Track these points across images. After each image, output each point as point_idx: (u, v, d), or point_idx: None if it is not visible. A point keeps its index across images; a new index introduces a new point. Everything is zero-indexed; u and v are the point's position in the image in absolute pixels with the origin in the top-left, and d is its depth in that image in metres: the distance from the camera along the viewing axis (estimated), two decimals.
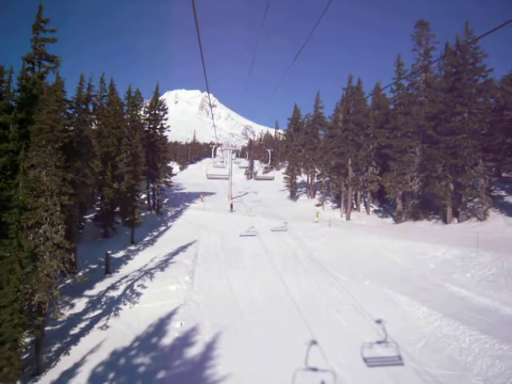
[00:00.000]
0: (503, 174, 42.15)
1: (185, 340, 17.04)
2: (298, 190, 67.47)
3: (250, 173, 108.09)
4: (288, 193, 67.51)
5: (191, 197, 62.06)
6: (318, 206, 53.54)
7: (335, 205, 53.20)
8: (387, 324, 17.39)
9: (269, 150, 41.04)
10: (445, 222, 37.51)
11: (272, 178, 46.20)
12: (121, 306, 20.92)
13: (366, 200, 49.19)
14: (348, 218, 45.74)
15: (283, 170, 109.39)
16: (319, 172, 59.24)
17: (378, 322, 17.57)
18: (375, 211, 49.52)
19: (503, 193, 37.99)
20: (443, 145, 36.43)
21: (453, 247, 25.80)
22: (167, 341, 17.11)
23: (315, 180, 63.45)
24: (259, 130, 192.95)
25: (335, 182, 49.97)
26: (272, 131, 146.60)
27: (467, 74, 36.16)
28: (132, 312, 20.26)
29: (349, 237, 33.01)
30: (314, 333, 16.46)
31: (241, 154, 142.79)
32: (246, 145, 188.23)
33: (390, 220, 45.50)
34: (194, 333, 17.61)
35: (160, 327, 18.36)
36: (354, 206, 49.81)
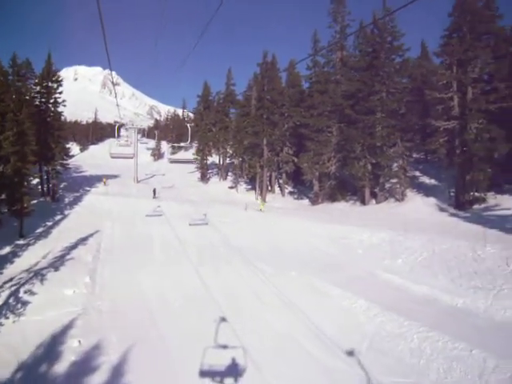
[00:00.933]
0: (414, 155, 42.51)
1: (84, 364, 12.92)
2: (209, 171, 64.14)
3: (158, 154, 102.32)
4: (198, 175, 63.99)
5: (93, 180, 55.80)
6: (231, 188, 50.83)
7: (249, 187, 50.89)
8: (324, 322, 15.04)
9: (188, 125, 36.78)
10: (363, 203, 36.80)
11: (193, 161, 41.88)
12: (1, 320, 16.11)
13: (281, 181, 47.47)
14: (264, 201, 43.62)
15: (192, 150, 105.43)
16: (231, 152, 56.49)
17: (313, 320, 15.15)
18: (290, 193, 48.09)
19: (417, 173, 38.18)
20: (361, 124, 35.41)
21: (380, 230, 24.45)
22: (61, 368, 12.82)
23: (227, 161, 60.59)
24: (165, 110, 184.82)
25: (249, 162, 47.48)
26: (180, 111, 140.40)
27: (385, 52, 35.25)
28: (16, 328, 15.48)
29: (268, 221, 30.67)
30: (243, 340, 13.57)
31: (147, 134, 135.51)
32: (152, 125, 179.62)
33: (306, 202, 44.22)
34: (97, 352, 13.56)
35: (52, 348, 14.01)
36: (269, 188, 47.84)
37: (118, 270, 21.24)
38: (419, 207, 30.24)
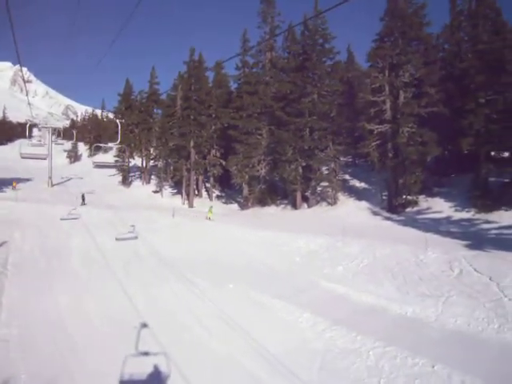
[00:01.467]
0: (342, 158, 42.65)
1: None
2: (131, 174, 60.39)
3: (74, 156, 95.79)
4: (119, 178, 60.07)
5: None
6: (155, 192, 47.88)
7: (175, 191, 48.18)
8: (267, 339, 13.30)
9: (118, 121, 33.17)
10: (294, 207, 35.92)
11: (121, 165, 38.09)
12: None
13: (209, 185, 45.48)
14: (191, 206, 41.36)
15: (113, 153, 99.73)
16: (155, 155, 53.52)
17: (255, 337, 13.36)
18: (218, 197, 46.26)
19: (347, 177, 38.06)
20: (293, 126, 34.55)
21: (316, 236, 23.32)
22: None
23: (150, 163, 57.37)
24: (82, 110, 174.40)
25: (175, 165, 44.92)
26: (99, 112, 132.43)
27: (317, 54, 34.73)
28: None
29: (198, 228, 28.52)
30: (182, 369, 11.41)
31: (63, 135, 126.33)
32: (67, 125, 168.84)
33: (235, 206, 42.60)
34: None
35: None
36: (196, 192, 45.60)
37: (30, 289, 17.83)
38: (352, 211, 29.80)
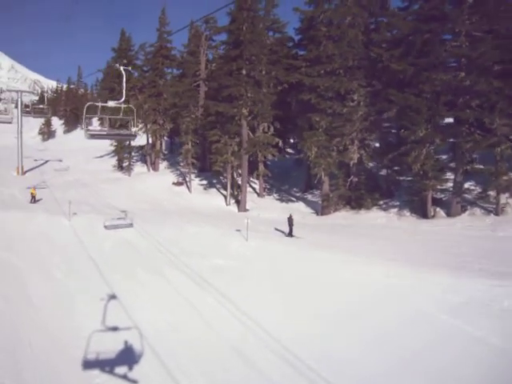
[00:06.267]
0: None
1: None
2: (125, 155, 44.90)
3: (48, 132, 79.54)
4: (112, 161, 45.23)
5: None
6: (177, 184, 33.25)
7: (204, 182, 33.61)
8: None
9: (122, 69, 18.35)
10: (421, 214, 22.65)
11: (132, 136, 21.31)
12: None
13: (257, 174, 31.30)
14: (244, 209, 27.26)
15: (96, 126, 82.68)
16: (168, 129, 39.10)
17: None
18: (268, 192, 32.42)
19: None
20: (428, 87, 21.13)
21: None
22: None
23: (162, 142, 42.45)
24: (51, 86, 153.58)
25: (216, 146, 29.92)
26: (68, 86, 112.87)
27: None
28: None
29: (292, 263, 14.95)
30: None
31: (33, 110, 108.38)
32: (36, 101, 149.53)
33: (299, 206, 28.95)
34: None
35: None
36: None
37: None
38: None
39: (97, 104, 14.96)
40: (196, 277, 14.11)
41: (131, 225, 19.78)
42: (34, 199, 24.92)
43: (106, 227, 19.20)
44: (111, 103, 15.01)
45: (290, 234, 19.29)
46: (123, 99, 14.52)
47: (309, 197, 30.25)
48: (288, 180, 33.77)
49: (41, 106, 43.79)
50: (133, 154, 43.11)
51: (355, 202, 25.80)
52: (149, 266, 15.22)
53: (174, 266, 15.23)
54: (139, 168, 42.70)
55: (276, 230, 21.05)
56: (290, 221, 19.44)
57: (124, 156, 42.09)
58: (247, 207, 27.24)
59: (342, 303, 11.66)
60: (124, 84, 15.21)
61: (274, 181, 33.42)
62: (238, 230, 18.90)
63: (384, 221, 23.53)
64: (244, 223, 18.24)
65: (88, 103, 15.51)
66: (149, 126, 39.83)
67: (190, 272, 14.55)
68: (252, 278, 14.03)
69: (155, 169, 40.51)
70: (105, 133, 16.80)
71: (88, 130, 15.30)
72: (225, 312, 11.64)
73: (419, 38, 22.53)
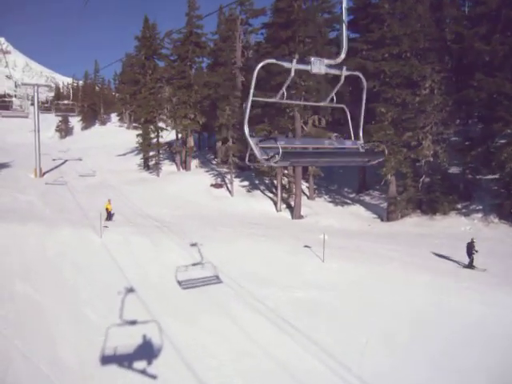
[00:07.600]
0: None
1: None
2: (151, 153, 41.70)
3: (65, 129, 76.94)
4: (136, 160, 42.26)
5: None
6: (216, 186, 29.79)
7: (245, 183, 30.16)
8: None
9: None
10: None
11: None
12: None
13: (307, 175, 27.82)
14: (299, 215, 23.82)
15: (115, 122, 80.00)
16: (201, 123, 35.77)
17: None
18: (318, 194, 28.95)
19: None
20: None
21: None
22: None
23: (190, 139, 39.09)
24: (66, 82, 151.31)
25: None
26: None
27: None
28: None
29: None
30: None
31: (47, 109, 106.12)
32: (51, 98, 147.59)
33: (356, 209, 25.47)
34: None
35: None
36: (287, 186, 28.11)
37: None
38: None
39: None
40: (274, 317, 10.71)
41: (218, 278, 12.71)
42: (109, 216, 19.81)
43: (180, 284, 12.25)
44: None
45: (471, 265, 13.78)
46: None
47: (366, 199, 26.73)
48: (336, 179, 30.15)
49: (65, 102, 40.98)
50: (160, 151, 39.94)
51: (427, 205, 22.25)
52: (211, 302, 11.78)
53: (243, 300, 11.80)
54: (168, 167, 39.47)
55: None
56: (471, 247, 13.78)
57: (150, 154, 38.98)
58: (301, 213, 23.81)
59: None
60: None
61: (319, 179, 29.89)
62: (307, 247, 15.52)
63: (468, 229, 19.95)
64: (307, 235, 14.86)
65: None
66: (178, 121, 36.46)
67: (265, 310, 11.15)
68: (351, 319, 10.64)
69: (186, 168, 37.18)
70: None
71: None
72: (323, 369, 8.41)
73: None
